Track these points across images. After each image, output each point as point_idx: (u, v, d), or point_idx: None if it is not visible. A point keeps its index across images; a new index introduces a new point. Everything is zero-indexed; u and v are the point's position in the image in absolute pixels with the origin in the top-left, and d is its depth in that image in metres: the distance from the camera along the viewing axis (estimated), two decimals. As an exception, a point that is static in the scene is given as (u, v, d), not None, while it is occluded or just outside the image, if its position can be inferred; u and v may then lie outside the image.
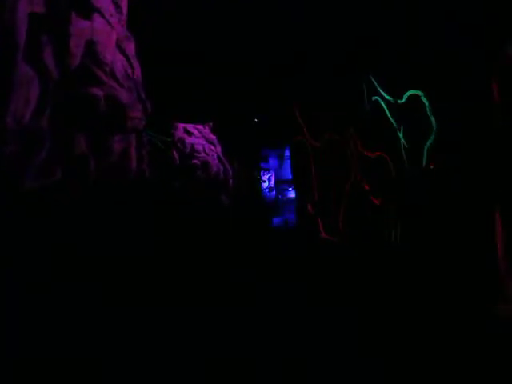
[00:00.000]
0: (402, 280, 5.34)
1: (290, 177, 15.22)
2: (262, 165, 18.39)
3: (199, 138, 11.42)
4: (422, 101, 5.23)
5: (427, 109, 5.10)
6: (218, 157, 12.22)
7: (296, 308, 4.95)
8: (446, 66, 4.10)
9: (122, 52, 6.63)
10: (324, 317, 4.59)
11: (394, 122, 6.04)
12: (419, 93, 5.24)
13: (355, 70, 6.28)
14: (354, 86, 6.51)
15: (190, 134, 11.18)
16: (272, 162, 19.71)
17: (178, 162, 10.69)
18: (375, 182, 6.75)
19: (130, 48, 6.84)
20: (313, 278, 6.59)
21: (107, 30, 6.21)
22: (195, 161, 11.15)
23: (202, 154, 11.34)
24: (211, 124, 12.20)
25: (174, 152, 10.60)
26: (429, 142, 5.21)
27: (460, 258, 4.70)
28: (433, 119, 5.02)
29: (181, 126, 11.08)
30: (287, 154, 17.37)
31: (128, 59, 6.84)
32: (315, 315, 4.67)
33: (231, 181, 12.78)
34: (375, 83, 6.03)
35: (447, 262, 4.76)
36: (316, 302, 5.16)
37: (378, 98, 6.27)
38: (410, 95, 5.47)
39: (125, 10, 6.47)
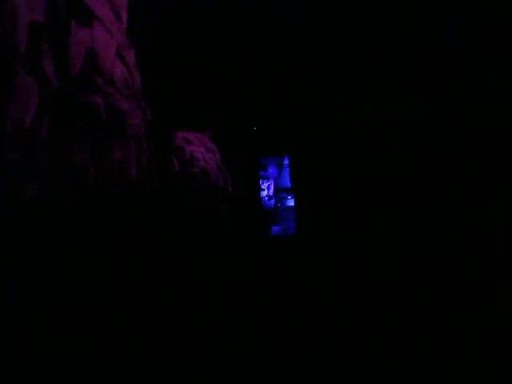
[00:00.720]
0: (400, 280, 5.32)
1: (290, 185, 15.22)
2: (262, 173, 18.39)
3: (198, 146, 11.43)
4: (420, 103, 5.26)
5: (425, 111, 5.12)
6: (218, 165, 12.22)
7: (295, 309, 4.96)
8: (446, 66, 4.13)
9: (122, 60, 6.67)
10: (323, 317, 4.59)
11: (391, 127, 6.07)
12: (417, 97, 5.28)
13: (355, 71, 6.32)
14: (354, 88, 6.56)
15: (189, 142, 11.19)
16: (271, 170, 19.75)
17: (177, 169, 10.68)
18: (375, 184, 6.76)
19: (130, 56, 6.89)
20: (312, 278, 6.62)
21: (107, 38, 6.25)
22: (194, 169, 11.14)
23: (202, 162, 11.34)
24: (210, 132, 12.23)
25: (174, 160, 10.59)
26: (426, 145, 5.23)
27: (458, 257, 4.69)
28: (432, 121, 5.05)
29: (180, 134, 11.10)
30: (286, 162, 17.41)
31: (128, 67, 6.88)
32: (314, 315, 4.67)
33: (230, 189, 12.77)
34: (374, 85, 6.08)
35: (446, 261, 4.75)
36: (315, 303, 5.17)
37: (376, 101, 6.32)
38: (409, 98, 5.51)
39: (125, 17, 6.53)
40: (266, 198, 19.46)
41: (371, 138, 6.78)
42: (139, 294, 4.64)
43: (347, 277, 6.45)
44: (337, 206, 8.41)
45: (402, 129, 5.80)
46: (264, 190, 19.28)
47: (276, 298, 5.70)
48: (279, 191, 19.88)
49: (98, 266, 4.11)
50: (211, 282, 6.49)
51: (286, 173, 17.28)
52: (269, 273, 7.89)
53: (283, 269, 8.30)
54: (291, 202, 17.78)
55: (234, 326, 4.47)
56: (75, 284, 3.74)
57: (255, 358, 3.60)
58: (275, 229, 17.54)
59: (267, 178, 19.62)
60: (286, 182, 17.52)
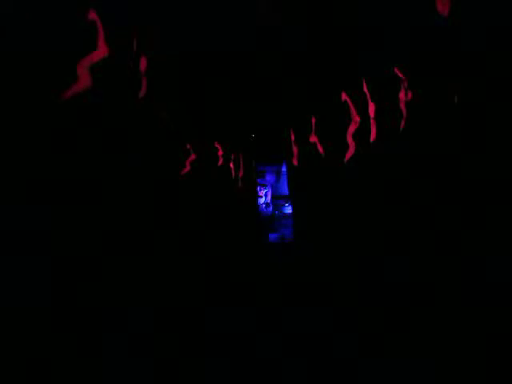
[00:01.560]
0: (400, 281, 5.34)
1: (287, 192, 15.20)
2: (259, 180, 18.39)
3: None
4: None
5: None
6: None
7: (296, 309, 4.99)
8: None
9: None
10: (323, 317, 4.62)
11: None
12: None
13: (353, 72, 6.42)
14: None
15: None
16: (269, 177, 19.77)
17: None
18: (374, 190, 6.80)
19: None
20: (311, 282, 6.67)
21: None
22: (193, 174, 11.13)
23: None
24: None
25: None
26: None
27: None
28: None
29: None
30: (284, 169, 17.46)
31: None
32: (314, 315, 4.70)
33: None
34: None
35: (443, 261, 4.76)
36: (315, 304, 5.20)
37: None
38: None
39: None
40: (264, 206, 19.43)
41: (369, 144, 6.84)
42: (138, 294, 4.63)
43: (346, 280, 6.48)
44: (335, 212, 8.45)
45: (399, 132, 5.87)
46: (261, 197, 19.27)
47: (275, 300, 5.74)
48: (276, 198, 19.87)
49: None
50: (211, 285, 6.50)
51: (284, 180, 17.32)
52: (267, 278, 7.90)
53: (281, 274, 8.32)
54: (288, 210, 17.79)
55: (233, 326, 4.48)
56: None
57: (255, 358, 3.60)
58: (272, 236, 17.49)
59: (265, 185, 19.62)
60: (284, 189, 17.55)
